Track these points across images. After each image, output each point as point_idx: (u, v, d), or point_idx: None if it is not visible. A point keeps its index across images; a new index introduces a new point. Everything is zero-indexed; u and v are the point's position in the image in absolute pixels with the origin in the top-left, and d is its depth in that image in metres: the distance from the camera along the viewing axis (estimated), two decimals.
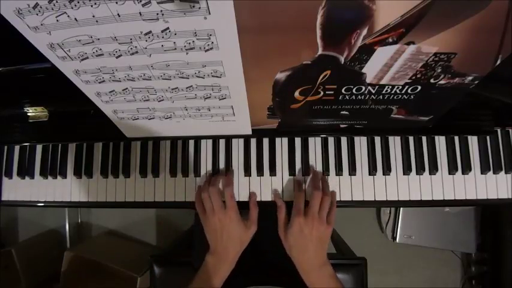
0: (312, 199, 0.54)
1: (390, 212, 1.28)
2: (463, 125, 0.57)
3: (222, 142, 0.62)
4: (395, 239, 1.25)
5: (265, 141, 0.62)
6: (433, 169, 0.59)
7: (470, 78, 0.41)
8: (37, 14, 0.32)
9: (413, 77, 0.41)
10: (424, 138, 0.60)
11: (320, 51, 0.36)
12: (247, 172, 0.61)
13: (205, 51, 0.36)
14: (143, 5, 0.30)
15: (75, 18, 0.32)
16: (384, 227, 1.30)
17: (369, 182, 0.60)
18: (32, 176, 0.66)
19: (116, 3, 0.30)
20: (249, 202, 0.59)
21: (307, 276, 0.53)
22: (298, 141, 0.61)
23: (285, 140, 0.61)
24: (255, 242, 0.57)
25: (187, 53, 0.37)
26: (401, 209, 1.25)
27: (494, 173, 0.59)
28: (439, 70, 0.39)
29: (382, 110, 0.49)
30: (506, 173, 0.59)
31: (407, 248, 1.31)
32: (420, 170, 0.59)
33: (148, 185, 0.63)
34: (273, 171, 0.60)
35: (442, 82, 0.42)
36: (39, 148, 0.67)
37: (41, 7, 0.31)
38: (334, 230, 1.22)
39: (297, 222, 0.53)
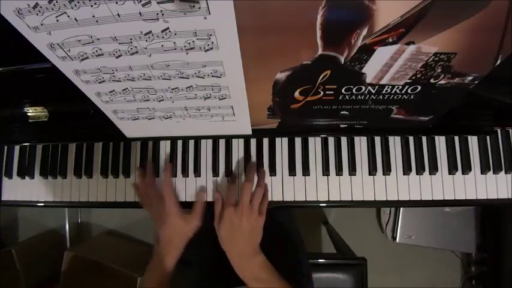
0: (242, 190, 0.54)
1: (390, 212, 1.28)
2: (463, 125, 0.57)
3: (222, 142, 0.62)
4: (395, 239, 1.25)
5: (265, 141, 0.62)
6: (433, 169, 0.59)
7: (470, 78, 0.41)
8: (37, 14, 0.32)
9: (413, 77, 0.41)
10: (424, 138, 0.60)
11: (320, 51, 0.36)
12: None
13: (205, 51, 0.36)
14: (143, 5, 0.30)
15: (75, 18, 0.32)
16: (384, 227, 1.30)
17: (369, 182, 0.60)
18: (32, 176, 0.66)
19: (116, 3, 0.30)
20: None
21: (238, 267, 0.52)
22: (298, 141, 0.61)
23: (285, 140, 0.61)
24: None
25: (187, 53, 0.37)
26: (401, 209, 1.25)
27: (494, 173, 0.59)
28: (439, 70, 0.39)
29: (382, 110, 0.49)
30: (506, 173, 0.59)
31: (407, 248, 1.31)
32: (420, 170, 0.59)
33: None
34: (273, 172, 0.60)
35: (442, 82, 0.42)
36: (39, 148, 0.67)
37: (41, 7, 0.31)
38: (334, 230, 1.22)
39: (227, 213, 0.53)
